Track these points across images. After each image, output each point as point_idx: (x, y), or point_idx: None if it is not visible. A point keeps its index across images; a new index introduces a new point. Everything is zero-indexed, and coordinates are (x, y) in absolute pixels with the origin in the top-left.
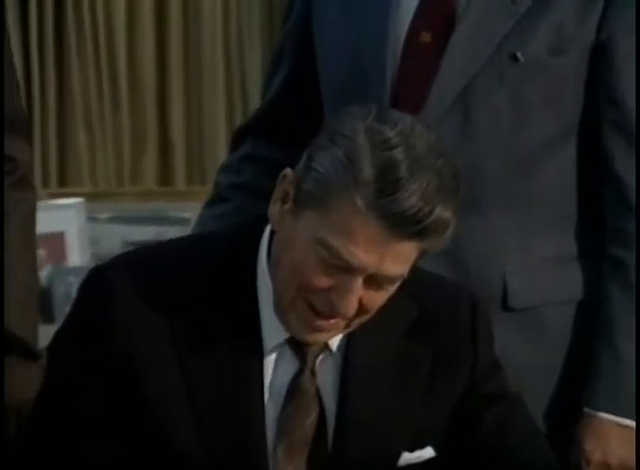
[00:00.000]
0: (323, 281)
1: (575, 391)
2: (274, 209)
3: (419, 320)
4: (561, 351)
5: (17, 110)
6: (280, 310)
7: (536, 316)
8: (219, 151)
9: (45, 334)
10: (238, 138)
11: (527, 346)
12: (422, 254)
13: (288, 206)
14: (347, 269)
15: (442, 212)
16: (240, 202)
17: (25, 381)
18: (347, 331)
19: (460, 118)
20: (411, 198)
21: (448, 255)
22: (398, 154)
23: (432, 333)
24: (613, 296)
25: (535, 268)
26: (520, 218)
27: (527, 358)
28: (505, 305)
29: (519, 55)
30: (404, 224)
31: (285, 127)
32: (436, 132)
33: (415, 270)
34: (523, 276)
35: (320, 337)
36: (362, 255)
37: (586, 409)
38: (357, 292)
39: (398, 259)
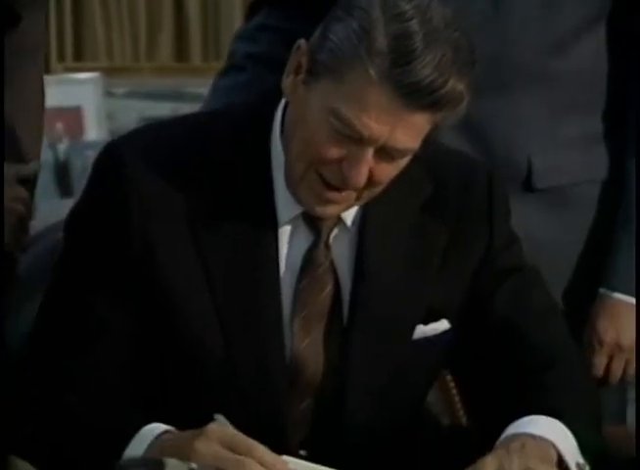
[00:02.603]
0: (334, 152)
1: (596, 271)
2: (287, 80)
3: (434, 195)
4: (583, 230)
5: None
6: (291, 183)
7: (560, 196)
8: (235, 26)
9: (64, 208)
10: (254, 7)
11: (551, 225)
12: (434, 128)
13: (301, 77)
14: (359, 140)
15: (456, 84)
16: (255, 73)
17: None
18: (358, 204)
19: None
20: (425, 68)
21: (473, 135)
22: (414, 25)
23: (447, 208)
24: (635, 176)
25: (560, 149)
26: (547, 100)
27: (550, 237)
28: (529, 186)
29: None
30: (417, 95)
31: None
32: (469, 10)
33: (432, 145)
34: (548, 156)
35: (330, 210)
36: (374, 125)
37: (602, 290)
38: (367, 163)
39: (410, 132)
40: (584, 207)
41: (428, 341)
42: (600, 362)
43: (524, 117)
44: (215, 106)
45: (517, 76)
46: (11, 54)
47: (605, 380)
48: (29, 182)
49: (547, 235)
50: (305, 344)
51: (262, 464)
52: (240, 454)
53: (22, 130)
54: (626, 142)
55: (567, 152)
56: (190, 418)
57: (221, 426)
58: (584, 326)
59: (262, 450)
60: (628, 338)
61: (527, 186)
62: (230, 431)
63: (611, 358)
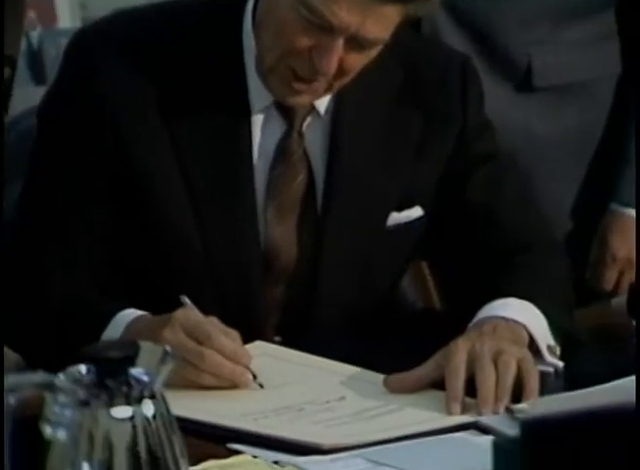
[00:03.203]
0: (304, 41)
1: (603, 176)
2: None
3: (408, 82)
4: (588, 129)
5: None
6: (263, 73)
7: (562, 94)
8: None
9: (37, 95)
10: None
11: (552, 123)
12: (405, 20)
13: None
14: (329, 30)
15: None
16: None
17: None
18: (329, 94)
19: None
20: None
21: (472, 33)
22: None
23: (421, 94)
24: None
25: (562, 47)
26: (551, 2)
27: (552, 136)
28: (529, 84)
29: None
30: None
31: None
32: None
33: (407, 34)
34: (548, 55)
35: (301, 99)
36: (344, 15)
37: (613, 205)
38: (337, 52)
39: (380, 23)
40: (590, 104)
41: (401, 228)
42: (611, 277)
43: (524, 15)
44: None
45: None
46: None
47: (614, 293)
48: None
49: (549, 134)
50: (279, 231)
51: (223, 354)
52: (201, 344)
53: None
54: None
55: (569, 51)
56: (166, 304)
57: (186, 312)
58: (591, 236)
59: (222, 340)
60: None
61: (528, 85)
62: (194, 318)
63: (621, 273)
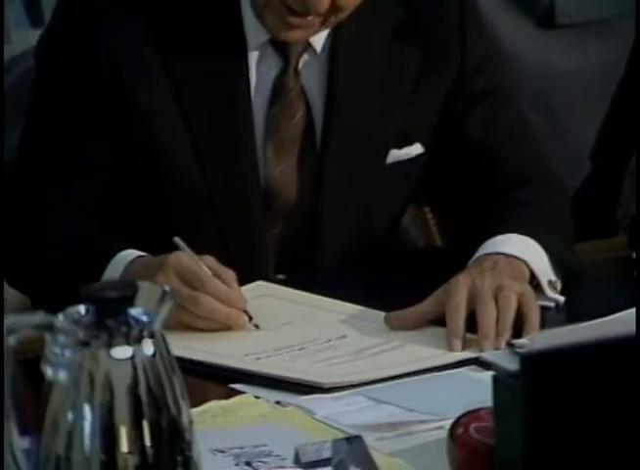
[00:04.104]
0: None
1: (624, 119)
2: None
3: (405, 18)
4: (613, 66)
5: None
6: (256, 9)
7: (582, 31)
8: None
9: (34, 37)
10: None
11: (573, 60)
12: None
13: None
14: None
15: None
16: None
17: None
18: (324, 29)
19: None
20: None
21: None
22: None
23: (418, 31)
24: None
25: None
26: None
27: (575, 70)
28: (552, 21)
29: None
30: None
31: None
32: None
33: None
34: None
35: (295, 35)
36: None
37: None
38: None
39: None
40: (612, 41)
41: (401, 165)
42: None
43: None
44: None
45: None
46: None
47: None
48: None
49: (571, 71)
50: (279, 170)
51: (217, 298)
52: (194, 288)
53: None
54: None
55: None
56: (168, 243)
57: (178, 256)
58: (615, 175)
59: (216, 285)
60: None
61: (550, 22)
62: (186, 263)
63: None
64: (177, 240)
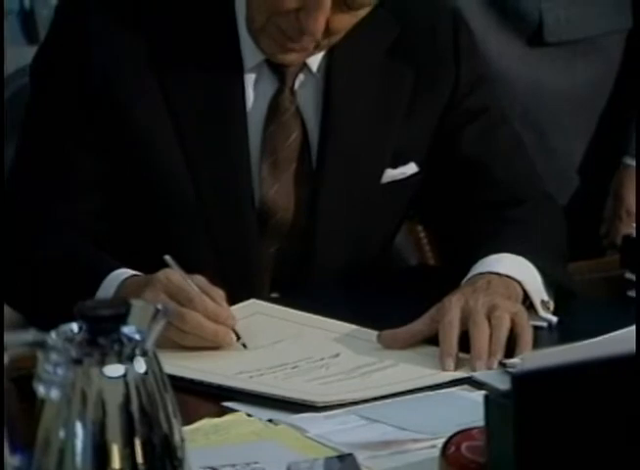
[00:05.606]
0: (291, 2)
1: (616, 132)
2: None
3: (400, 38)
4: (602, 83)
5: None
6: (252, 32)
7: (571, 49)
8: None
9: (29, 54)
10: None
11: (562, 78)
12: None
13: None
14: None
15: None
16: None
17: None
18: (318, 52)
19: None
20: None
21: None
22: None
23: (413, 51)
24: None
25: (573, 4)
26: None
27: (564, 89)
28: (541, 39)
29: None
30: None
31: None
32: None
33: None
34: (559, 10)
35: (291, 57)
36: None
37: (627, 159)
38: (324, 12)
39: None
40: (600, 59)
41: (396, 184)
42: (627, 232)
43: None
44: None
45: None
46: None
47: None
48: None
49: (560, 89)
50: (274, 189)
51: (205, 315)
52: (182, 306)
53: None
54: None
55: (580, 6)
56: (162, 261)
57: (167, 274)
58: (601, 192)
59: (203, 301)
60: None
61: (539, 40)
62: (175, 280)
63: None
64: (167, 258)
